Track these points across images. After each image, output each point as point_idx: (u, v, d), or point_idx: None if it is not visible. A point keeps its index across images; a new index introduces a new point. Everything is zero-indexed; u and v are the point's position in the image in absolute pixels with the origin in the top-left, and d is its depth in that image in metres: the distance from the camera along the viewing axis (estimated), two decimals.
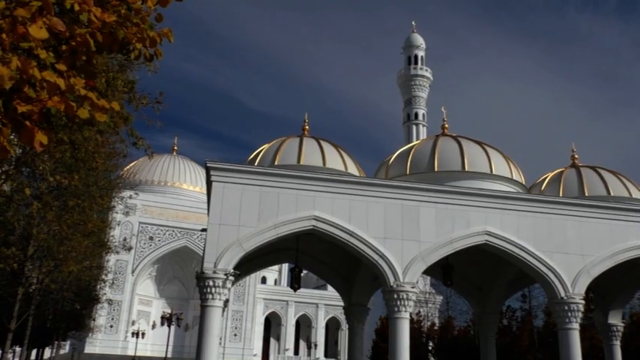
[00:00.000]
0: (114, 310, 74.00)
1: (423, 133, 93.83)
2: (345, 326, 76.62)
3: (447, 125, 24.68)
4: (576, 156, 24.30)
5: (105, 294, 39.34)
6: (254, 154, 21.89)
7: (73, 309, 29.98)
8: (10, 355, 28.74)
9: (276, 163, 20.27)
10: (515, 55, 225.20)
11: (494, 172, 21.43)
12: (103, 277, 34.49)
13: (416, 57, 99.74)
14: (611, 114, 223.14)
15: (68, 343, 66.04)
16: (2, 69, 3.12)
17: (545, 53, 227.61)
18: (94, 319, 50.36)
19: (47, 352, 53.03)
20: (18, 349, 36.63)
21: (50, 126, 4.44)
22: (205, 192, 20.84)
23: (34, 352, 43.54)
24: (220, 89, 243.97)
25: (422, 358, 52.93)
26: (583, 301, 18.93)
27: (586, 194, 21.73)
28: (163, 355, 57.37)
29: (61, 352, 61.03)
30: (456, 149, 21.93)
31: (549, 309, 31.62)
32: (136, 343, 66.32)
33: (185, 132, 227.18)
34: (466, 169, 21.21)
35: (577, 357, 18.38)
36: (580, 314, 18.84)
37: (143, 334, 68.41)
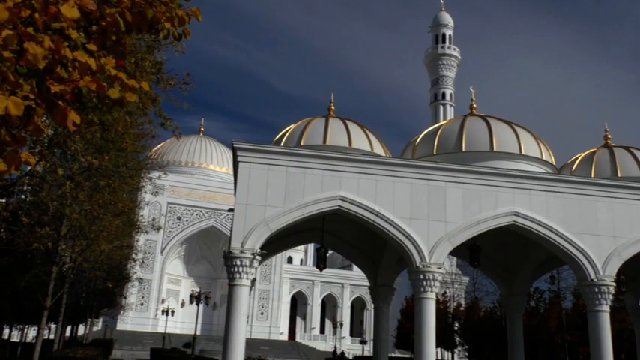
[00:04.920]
0: (144, 288, 75.71)
1: (451, 113, 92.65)
2: (370, 306, 77.02)
3: (475, 105, 24.28)
4: (609, 136, 23.71)
5: (135, 272, 40.24)
6: (280, 134, 21.93)
7: (105, 287, 30.74)
8: (45, 332, 29.69)
9: (302, 144, 20.28)
10: (549, 35, 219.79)
11: (523, 153, 21.07)
12: (133, 256, 35.21)
13: (444, 36, 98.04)
14: None
15: (101, 320, 67.96)
16: (36, 48, 3.17)
17: (580, 33, 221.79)
18: (125, 297, 51.66)
19: (81, 329, 54.67)
20: (53, 325, 37.82)
21: (82, 106, 4.51)
22: (232, 173, 21.03)
23: (68, 329, 44.90)
24: (248, 71, 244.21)
25: (448, 338, 52.99)
26: (614, 284, 18.63)
27: (619, 175, 21.24)
28: (192, 333, 58.58)
29: (94, 328, 62.86)
30: (484, 129, 21.60)
31: (578, 291, 31.23)
32: (166, 321, 67.83)
33: (213, 114, 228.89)
34: (494, 150, 20.90)
35: (607, 339, 18.16)
36: (610, 296, 18.56)
37: (173, 311, 69.88)
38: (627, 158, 22.05)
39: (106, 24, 3.85)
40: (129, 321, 74.39)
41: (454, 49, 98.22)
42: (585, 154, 23.17)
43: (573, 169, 22.49)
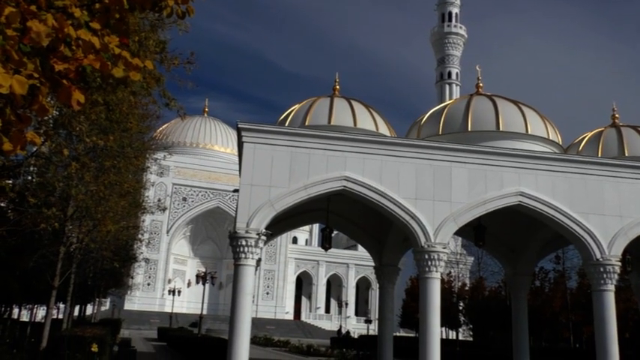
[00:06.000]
0: (151, 268, 76.44)
1: (457, 92, 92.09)
2: (375, 286, 77.53)
3: (481, 84, 24.08)
4: (617, 115, 23.50)
5: (142, 253, 40.51)
6: (284, 114, 21.86)
7: (112, 267, 30.98)
8: (54, 311, 30.05)
9: (306, 124, 20.21)
10: (556, 12, 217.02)
11: (529, 132, 20.93)
12: (140, 236, 35.41)
13: (450, 14, 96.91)
14: None
15: (108, 300, 68.77)
16: (39, 26, 3.14)
17: (588, 10, 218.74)
18: (132, 278, 52.08)
19: (89, 309, 55.31)
20: (62, 305, 38.27)
21: (86, 86, 4.49)
22: (237, 153, 21.03)
23: (76, 309, 45.44)
24: (252, 50, 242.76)
25: (452, 318, 53.35)
26: (619, 263, 18.63)
27: (626, 154, 21.11)
28: (199, 312, 59.22)
29: (102, 308, 63.61)
30: (490, 108, 21.45)
31: (583, 270, 31.26)
32: (173, 301, 68.56)
33: (217, 94, 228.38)
34: (500, 129, 20.78)
35: (611, 319, 18.22)
36: (616, 276, 18.57)
37: (179, 291, 70.63)
38: (635, 137, 21.88)
39: (109, 2, 3.81)
40: (136, 301, 75.24)
41: (460, 28, 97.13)
42: (592, 133, 23.00)
43: (580, 148, 22.36)
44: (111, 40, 3.79)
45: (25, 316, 49.41)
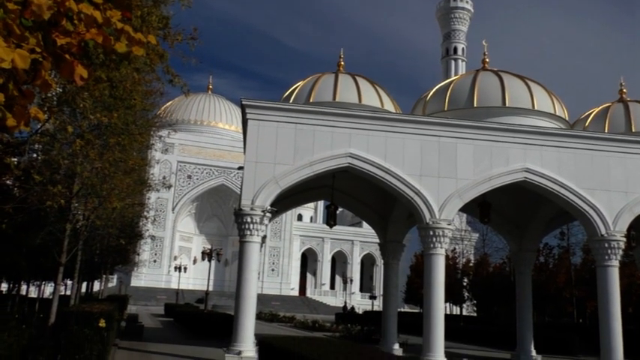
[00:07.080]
0: (157, 245, 76.99)
1: (462, 68, 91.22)
2: (380, 262, 77.93)
3: (487, 59, 23.82)
4: (624, 90, 23.25)
5: (147, 230, 40.67)
6: (289, 91, 21.72)
7: (118, 244, 31.15)
8: (62, 288, 30.40)
9: (311, 100, 20.10)
10: None
11: (536, 108, 20.77)
12: (145, 214, 35.50)
13: None
14: None
15: (115, 276, 69.35)
16: None
17: None
18: (138, 254, 52.37)
19: (96, 285, 55.92)
20: (69, 282, 38.68)
21: (89, 62, 4.45)
22: (241, 130, 20.94)
23: (84, 285, 45.92)
24: (256, 27, 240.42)
25: (456, 293, 53.67)
26: (624, 239, 18.64)
27: (633, 130, 20.95)
28: (205, 289, 59.82)
29: (109, 285, 64.27)
30: (496, 84, 21.26)
31: (588, 246, 31.30)
32: (179, 277, 69.15)
33: (221, 71, 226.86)
34: (507, 105, 20.62)
35: (615, 294, 18.30)
36: (620, 252, 18.60)
37: (185, 268, 71.17)
38: None
39: None
40: (142, 277, 75.99)
41: (466, 2, 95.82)
42: (599, 109, 22.81)
43: (587, 124, 22.19)
44: (113, 15, 3.73)
45: (33, 293, 50.01)
